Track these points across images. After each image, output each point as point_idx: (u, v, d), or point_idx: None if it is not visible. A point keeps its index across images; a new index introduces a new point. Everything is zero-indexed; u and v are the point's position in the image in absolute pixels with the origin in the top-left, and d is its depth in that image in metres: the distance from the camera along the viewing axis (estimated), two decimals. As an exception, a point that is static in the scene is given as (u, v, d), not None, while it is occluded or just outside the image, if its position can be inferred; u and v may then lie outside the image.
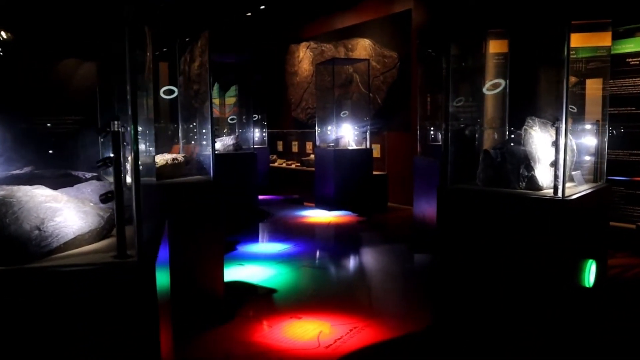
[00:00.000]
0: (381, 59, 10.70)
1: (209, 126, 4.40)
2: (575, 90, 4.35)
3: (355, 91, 11.20)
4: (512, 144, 3.77)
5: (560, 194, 3.34)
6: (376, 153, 10.44)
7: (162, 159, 4.48)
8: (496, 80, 4.39)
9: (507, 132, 4.48)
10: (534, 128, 3.63)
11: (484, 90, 4.50)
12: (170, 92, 4.91)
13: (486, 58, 4.64)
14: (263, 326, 4.24)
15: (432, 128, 7.65)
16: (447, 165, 3.80)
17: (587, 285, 3.69)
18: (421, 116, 7.72)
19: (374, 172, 9.51)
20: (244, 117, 10.46)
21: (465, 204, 3.69)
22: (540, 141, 3.60)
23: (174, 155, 4.61)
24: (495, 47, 4.65)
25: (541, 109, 4.00)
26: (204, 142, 4.54)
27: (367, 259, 6.37)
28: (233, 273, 5.62)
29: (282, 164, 13.29)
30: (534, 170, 3.51)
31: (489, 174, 3.74)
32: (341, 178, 9.04)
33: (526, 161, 3.53)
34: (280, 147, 14.40)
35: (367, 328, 4.18)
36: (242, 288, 5.19)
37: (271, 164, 13.01)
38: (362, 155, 9.30)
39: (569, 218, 3.30)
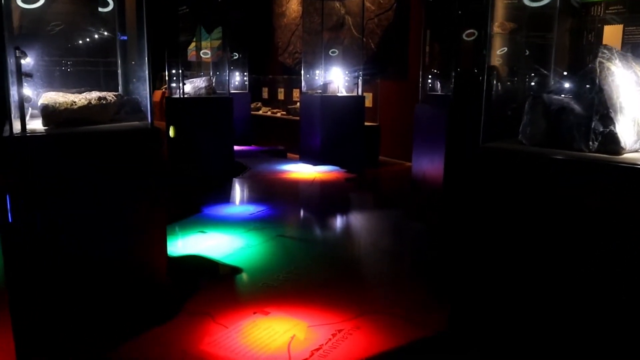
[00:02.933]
0: (376, -2, 9.22)
1: (144, 54, 3.04)
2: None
3: (347, 35, 9.76)
4: (574, 86, 2.48)
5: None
6: (368, 102, 9.11)
7: (82, 98, 3.15)
8: None
9: (552, 74, 3.17)
10: (613, 62, 2.32)
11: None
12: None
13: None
14: (216, 326, 3.02)
15: (436, 74, 6.31)
16: (480, 116, 2.52)
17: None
18: (424, 61, 6.36)
19: (365, 123, 8.20)
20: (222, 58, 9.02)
21: (508, 169, 2.43)
22: (622, 81, 2.30)
23: (101, 94, 3.27)
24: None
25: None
26: (141, 76, 3.20)
27: (356, 231, 5.13)
28: (190, 244, 4.37)
29: (266, 112, 11.92)
30: (614, 123, 2.23)
31: (539, 128, 2.46)
32: (328, 128, 7.74)
33: (602, 110, 2.25)
34: (265, 94, 12.98)
35: (355, 332, 2.98)
36: (196, 267, 3.95)
37: (254, 112, 11.64)
38: (353, 103, 7.97)
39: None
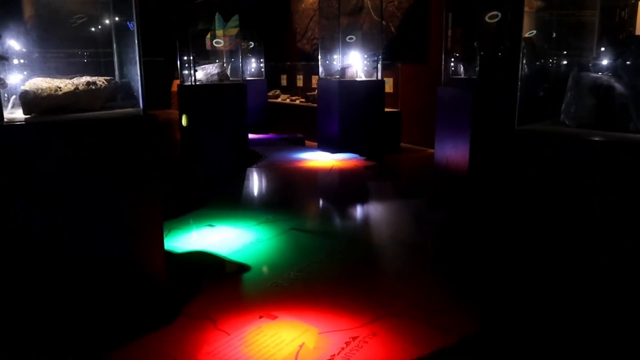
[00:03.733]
0: (396, -22, 8.75)
1: (134, 35, 2.70)
2: None
3: (366, 20, 9.32)
4: (623, 62, 2.07)
5: None
6: (388, 88, 8.67)
7: (68, 83, 2.83)
8: None
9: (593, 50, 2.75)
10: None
11: None
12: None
13: None
14: (216, 333, 2.70)
15: (459, 57, 5.86)
16: (516, 96, 2.14)
17: None
18: (446, 44, 5.91)
19: (386, 109, 7.78)
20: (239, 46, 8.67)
21: (553, 153, 2.03)
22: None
23: (90, 79, 2.95)
24: None
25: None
26: (131, 58, 2.86)
27: (374, 222, 4.76)
28: (197, 238, 4.06)
29: (285, 99, 11.55)
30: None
31: (585, 107, 2.05)
32: (347, 115, 7.35)
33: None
34: (284, 82, 12.61)
35: (371, 340, 2.63)
36: (201, 265, 3.63)
37: (273, 100, 11.29)
38: (372, 87, 7.55)
39: None
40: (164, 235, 4.05)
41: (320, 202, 5.40)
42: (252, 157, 6.97)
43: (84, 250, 2.60)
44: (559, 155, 1.99)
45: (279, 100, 11.50)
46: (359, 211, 5.03)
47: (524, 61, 2.53)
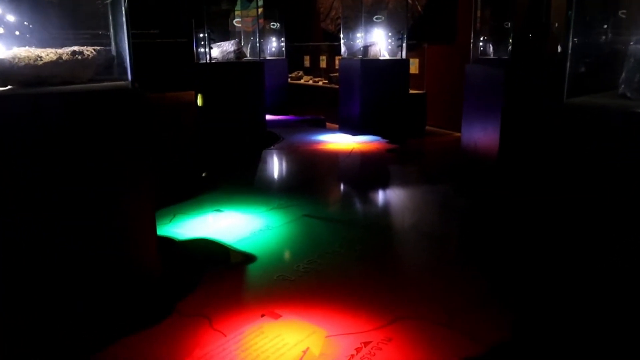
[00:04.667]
0: (424, -49, 8.22)
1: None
2: None
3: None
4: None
5: None
6: (414, 69, 8.20)
7: (51, 52, 2.49)
8: None
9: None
10: None
11: None
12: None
13: None
14: (212, 333, 2.37)
15: (487, 37, 5.38)
16: (566, 65, 1.74)
17: None
18: (475, 22, 5.44)
19: (411, 91, 7.33)
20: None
21: (610, 129, 1.63)
22: None
23: (77, 48, 2.61)
24: None
25: None
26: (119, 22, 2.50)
27: (396, 210, 4.36)
28: (202, 224, 3.73)
29: (308, 81, 11.15)
30: None
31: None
32: (369, 95, 6.94)
33: None
34: (307, 63, 12.19)
35: (386, 346, 2.27)
36: (202, 254, 3.30)
37: (295, 81, 10.90)
38: (396, 67, 7.10)
39: None
40: (169, 221, 3.79)
41: (338, 186, 5.03)
42: (269, 138, 6.62)
43: (64, 238, 2.28)
44: (621, 131, 1.58)
45: (302, 81, 11.10)
46: (379, 197, 4.65)
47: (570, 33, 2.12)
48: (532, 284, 2.86)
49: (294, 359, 2.19)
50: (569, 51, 1.92)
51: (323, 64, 11.61)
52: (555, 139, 1.86)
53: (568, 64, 1.89)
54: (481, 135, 4.44)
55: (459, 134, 5.57)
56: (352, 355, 2.22)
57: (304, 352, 2.25)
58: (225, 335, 2.36)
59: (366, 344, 2.30)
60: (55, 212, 2.24)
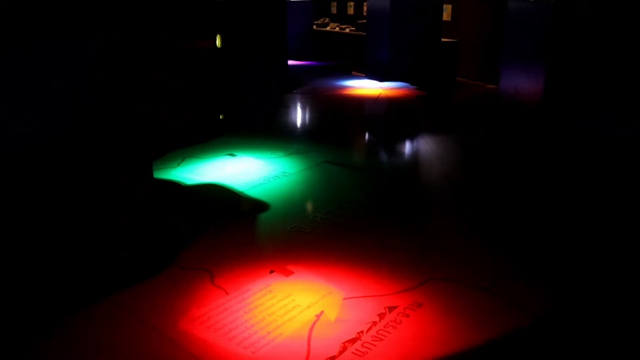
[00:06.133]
0: None
1: None
2: None
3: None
4: None
5: None
6: (446, 16, 7.53)
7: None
8: None
9: None
10: None
11: None
12: None
13: None
14: (213, 290, 2.02)
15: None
16: None
17: None
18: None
19: (442, 39, 6.72)
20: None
21: None
22: None
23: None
24: None
25: None
26: None
27: (425, 159, 3.91)
28: (213, 169, 3.35)
29: (334, 27, 10.52)
30: None
31: None
32: (398, 39, 6.37)
33: None
34: (333, 9, 11.51)
35: (414, 313, 1.89)
36: (211, 201, 2.93)
37: (322, 28, 10.28)
38: (429, 11, 6.47)
39: None
40: (177, 164, 3.43)
41: (363, 133, 4.59)
42: (292, 82, 6.15)
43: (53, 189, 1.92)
44: None
45: (328, 28, 10.49)
46: (407, 146, 4.20)
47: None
48: (577, 246, 2.43)
49: (305, 325, 1.83)
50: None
51: (351, 11, 10.95)
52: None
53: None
54: (523, 80, 3.92)
55: (490, 86, 5.05)
56: (375, 323, 1.85)
57: (318, 316, 1.89)
58: (228, 294, 2.00)
59: (391, 309, 1.93)
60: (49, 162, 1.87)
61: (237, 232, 2.53)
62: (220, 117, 4.87)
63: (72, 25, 1.90)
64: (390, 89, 6.09)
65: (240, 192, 2.98)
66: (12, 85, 1.79)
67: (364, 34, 7.78)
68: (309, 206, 2.86)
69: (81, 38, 1.92)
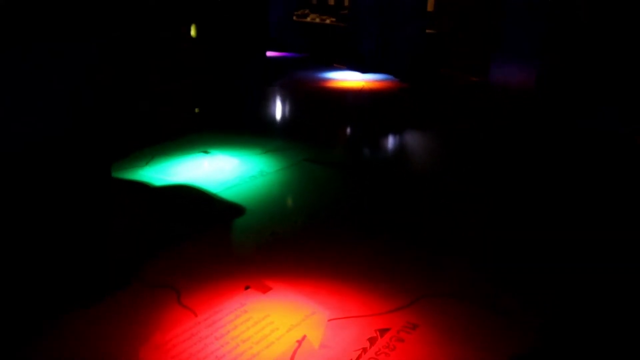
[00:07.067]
0: None
1: None
2: None
3: None
4: None
5: None
6: (430, 6, 7.28)
7: None
8: None
9: None
10: None
11: None
12: None
13: None
14: (179, 311, 1.74)
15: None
16: None
17: None
18: None
19: (427, 31, 6.47)
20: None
21: None
22: None
23: None
24: None
25: None
26: None
27: (413, 153, 3.67)
28: (183, 168, 3.05)
29: (314, 19, 10.21)
30: None
31: None
32: (382, 30, 6.12)
33: None
34: (314, 0, 11.18)
35: (409, 336, 1.64)
36: (180, 204, 2.63)
37: (301, 19, 9.96)
38: (413, 1, 6.21)
39: None
40: (145, 163, 3.12)
41: (345, 128, 4.32)
42: (270, 74, 5.85)
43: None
44: None
45: (308, 19, 10.17)
46: (391, 140, 3.95)
47: None
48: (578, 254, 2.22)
49: (286, 353, 1.57)
50: None
51: (331, 1, 10.65)
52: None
53: None
54: (516, 73, 3.69)
55: (475, 79, 4.83)
56: (365, 349, 1.60)
57: (299, 342, 1.63)
58: (197, 315, 1.73)
59: (383, 332, 1.68)
60: None
61: (208, 241, 2.24)
62: (196, 110, 4.57)
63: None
64: (373, 81, 5.83)
65: (214, 194, 2.69)
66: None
67: (345, 25, 7.50)
68: (289, 210, 2.60)
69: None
